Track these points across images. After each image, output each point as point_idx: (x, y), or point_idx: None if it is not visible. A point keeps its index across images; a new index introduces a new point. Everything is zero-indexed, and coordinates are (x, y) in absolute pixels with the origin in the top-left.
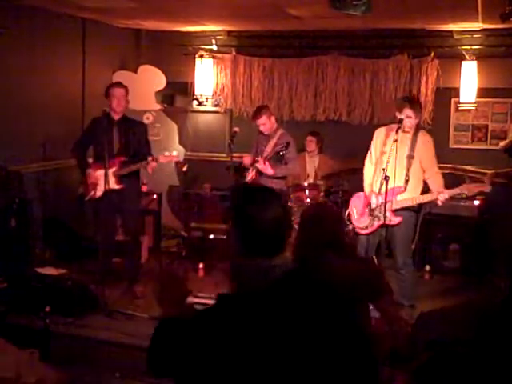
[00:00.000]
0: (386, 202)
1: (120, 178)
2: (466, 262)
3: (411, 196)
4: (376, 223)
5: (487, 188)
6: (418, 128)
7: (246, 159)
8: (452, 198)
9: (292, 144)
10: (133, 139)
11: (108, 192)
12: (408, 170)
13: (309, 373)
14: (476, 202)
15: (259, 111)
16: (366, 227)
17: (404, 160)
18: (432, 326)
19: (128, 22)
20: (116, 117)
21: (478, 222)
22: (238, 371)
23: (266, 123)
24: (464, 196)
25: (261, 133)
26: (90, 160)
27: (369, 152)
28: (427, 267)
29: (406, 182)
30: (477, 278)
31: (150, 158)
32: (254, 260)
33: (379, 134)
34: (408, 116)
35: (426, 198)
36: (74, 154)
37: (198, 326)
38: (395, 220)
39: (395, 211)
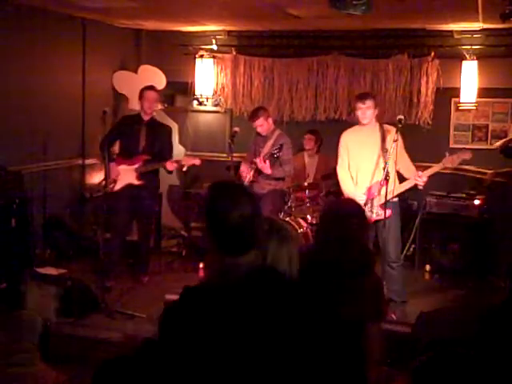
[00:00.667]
0: (386, 201)
1: (140, 175)
2: (465, 262)
3: (392, 187)
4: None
5: (469, 154)
6: (380, 122)
7: (244, 167)
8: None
9: (287, 145)
10: (158, 141)
11: (127, 187)
12: (385, 162)
13: (257, 369)
14: (476, 202)
15: (256, 113)
16: None
17: (378, 154)
18: (432, 326)
19: (128, 22)
20: (145, 118)
21: (478, 221)
22: (197, 363)
23: (263, 125)
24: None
25: (258, 134)
26: (115, 155)
27: (340, 159)
28: (427, 267)
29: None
30: (477, 278)
31: (172, 159)
32: (222, 257)
33: (347, 135)
34: (359, 107)
35: (407, 184)
36: (100, 147)
37: (165, 320)
38: (387, 213)
39: (383, 205)
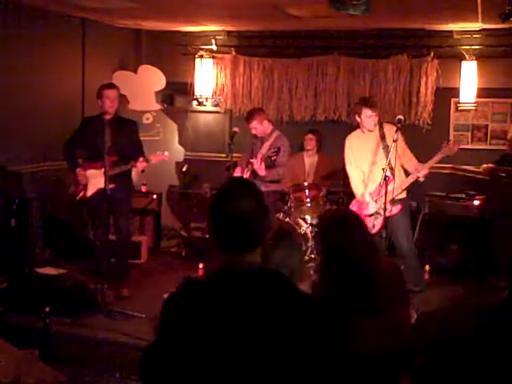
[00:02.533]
0: (385, 197)
1: (111, 178)
2: (465, 262)
3: (399, 182)
4: (381, 220)
5: (460, 143)
6: (380, 122)
7: (238, 171)
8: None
9: (285, 148)
10: (124, 138)
11: (99, 192)
12: (387, 158)
13: (246, 369)
14: (476, 202)
15: (250, 115)
16: (373, 227)
17: (381, 152)
18: (432, 326)
19: (128, 22)
20: (108, 117)
21: (478, 221)
22: (191, 356)
23: (257, 127)
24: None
25: (255, 136)
26: (80, 160)
27: (347, 160)
28: (427, 267)
29: (391, 169)
30: (476, 278)
31: (141, 159)
32: (223, 254)
33: (352, 140)
34: (368, 116)
35: (410, 178)
36: (64, 154)
37: (166, 310)
38: (396, 208)
39: (392, 201)
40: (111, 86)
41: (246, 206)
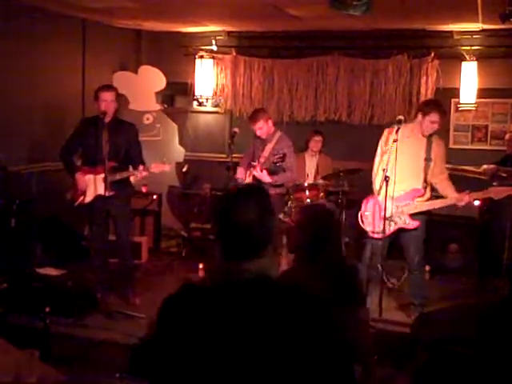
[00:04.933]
0: (386, 197)
1: (110, 184)
2: (465, 262)
3: (426, 198)
4: (393, 227)
5: (505, 193)
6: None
7: (240, 173)
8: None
9: (289, 150)
10: (123, 142)
11: (98, 197)
12: (426, 173)
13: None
14: (476, 203)
15: (256, 115)
16: (383, 232)
17: (421, 162)
18: (432, 326)
19: (128, 23)
20: (106, 119)
21: (478, 222)
22: (186, 359)
23: (262, 127)
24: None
25: (257, 136)
26: (79, 162)
27: (382, 149)
28: (427, 267)
29: (426, 183)
30: (477, 278)
31: (141, 167)
32: (225, 260)
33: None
34: (433, 121)
35: (446, 202)
36: (61, 157)
37: (162, 311)
38: (413, 224)
39: (412, 215)
40: (107, 88)
41: (251, 214)
